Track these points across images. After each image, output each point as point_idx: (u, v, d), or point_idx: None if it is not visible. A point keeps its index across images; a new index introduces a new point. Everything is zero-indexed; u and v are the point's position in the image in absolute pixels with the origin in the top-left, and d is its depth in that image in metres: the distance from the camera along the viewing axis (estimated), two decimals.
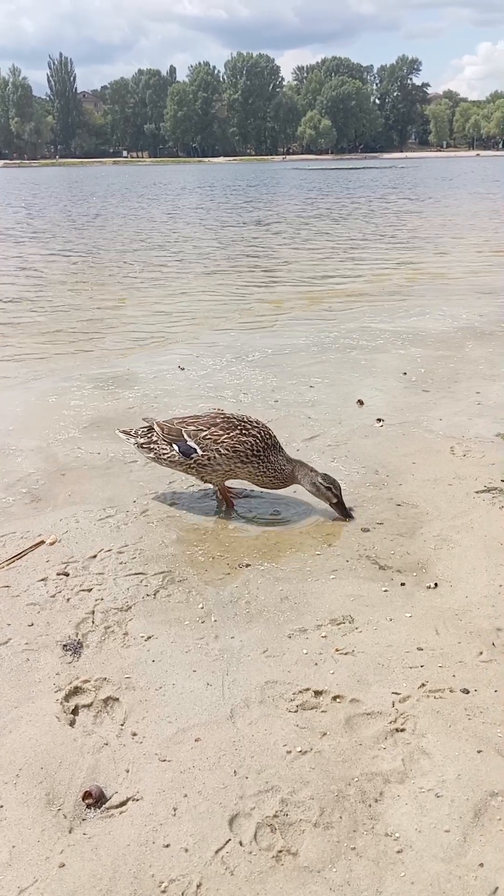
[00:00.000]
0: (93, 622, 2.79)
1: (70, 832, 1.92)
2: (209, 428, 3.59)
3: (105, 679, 2.47)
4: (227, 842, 1.87)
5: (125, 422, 4.94)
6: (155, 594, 2.97)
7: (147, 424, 3.84)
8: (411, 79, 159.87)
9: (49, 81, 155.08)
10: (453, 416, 4.99)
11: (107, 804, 2.00)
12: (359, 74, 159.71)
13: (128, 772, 2.10)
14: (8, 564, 3.21)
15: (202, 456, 3.55)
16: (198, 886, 1.76)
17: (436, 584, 3.00)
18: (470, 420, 4.90)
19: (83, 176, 71.85)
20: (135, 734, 2.23)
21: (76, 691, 2.43)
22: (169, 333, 7.78)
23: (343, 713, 2.28)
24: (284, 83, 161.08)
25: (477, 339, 7.09)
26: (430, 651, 2.57)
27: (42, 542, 3.38)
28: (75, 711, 2.35)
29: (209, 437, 3.56)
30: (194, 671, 2.50)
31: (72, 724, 2.29)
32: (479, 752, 2.11)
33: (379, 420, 4.92)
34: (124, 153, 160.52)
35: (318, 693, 2.37)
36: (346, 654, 2.56)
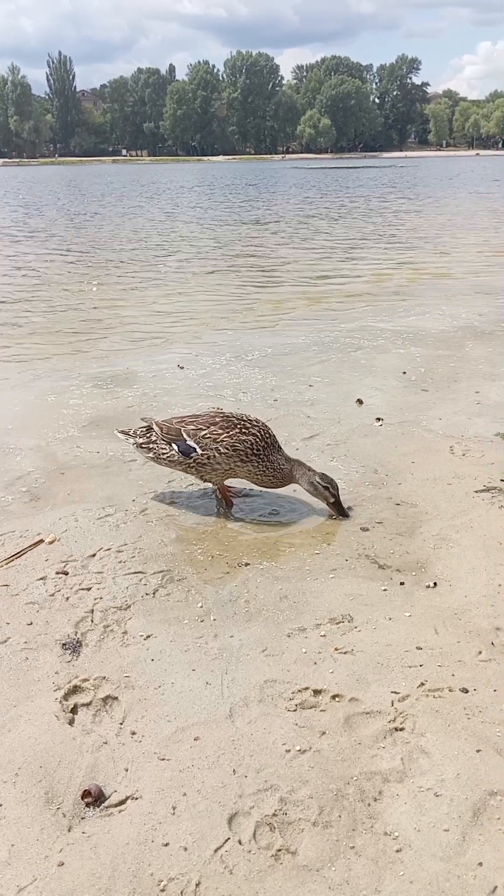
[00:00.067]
0: (92, 621, 2.79)
1: (69, 831, 1.92)
2: (208, 427, 3.59)
3: (104, 678, 2.47)
4: (227, 840, 1.87)
5: (124, 421, 4.94)
6: (154, 593, 2.97)
7: (146, 424, 3.84)
8: (411, 78, 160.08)
9: (48, 80, 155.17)
10: (453, 415, 4.99)
11: (106, 803, 2.00)
12: (358, 73, 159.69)
13: (127, 770, 2.10)
14: (7, 563, 3.21)
15: (201, 455, 3.55)
16: (197, 885, 1.76)
17: (435, 584, 3.00)
18: (469, 419, 4.90)
19: (82, 175, 71.80)
20: (134, 733, 2.23)
21: (75, 690, 2.43)
22: (168, 332, 7.78)
23: (342, 712, 2.28)
24: (284, 82, 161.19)
25: (476, 339, 7.09)
26: (429, 650, 2.57)
27: (41, 541, 3.38)
28: (74, 710, 2.35)
29: (208, 436, 3.56)
30: (193, 670, 2.50)
31: (71, 722, 2.29)
32: (478, 751, 2.11)
33: (378, 419, 4.92)
34: (123, 152, 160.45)
35: (317, 692, 2.37)
36: (345, 653, 2.56)
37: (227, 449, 3.52)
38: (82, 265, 12.63)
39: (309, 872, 1.79)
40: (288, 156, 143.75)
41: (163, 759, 2.12)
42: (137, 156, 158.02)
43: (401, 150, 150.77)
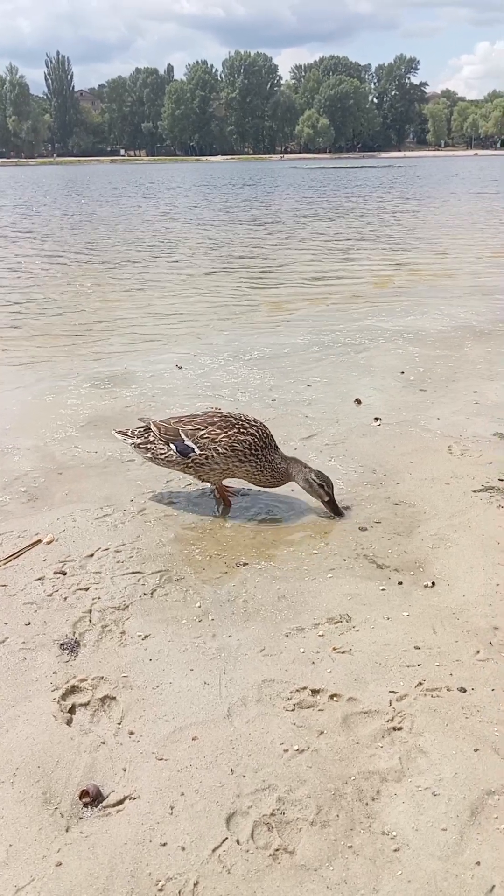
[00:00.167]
0: (90, 621, 2.79)
1: (67, 831, 1.92)
2: (206, 427, 3.59)
3: (102, 678, 2.47)
4: (224, 840, 1.87)
5: (122, 421, 4.94)
6: (152, 593, 2.97)
7: (143, 424, 3.84)
8: (409, 78, 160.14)
9: (46, 80, 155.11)
10: (451, 415, 5.00)
11: (104, 803, 2.00)
12: (356, 73, 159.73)
13: (125, 770, 2.10)
14: (5, 563, 3.21)
15: (200, 455, 3.55)
16: (195, 885, 1.76)
17: (433, 583, 3.00)
18: (467, 419, 4.91)
19: (80, 174, 71.78)
20: (132, 733, 2.23)
21: (73, 690, 2.43)
22: (166, 333, 7.78)
23: (340, 712, 2.28)
24: (282, 82, 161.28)
25: (475, 339, 7.10)
26: (427, 650, 2.57)
27: (39, 541, 3.38)
28: (72, 710, 2.35)
29: (207, 435, 3.55)
30: (191, 670, 2.50)
31: (69, 722, 2.29)
32: (476, 750, 2.12)
33: (377, 419, 4.92)
34: (122, 152, 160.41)
35: (315, 692, 2.37)
36: (343, 652, 2.56)
37: (225, 449, 3.52)
38: (80, 266, 12.62)
39: (307, 872, 1.79)
40: (286, 156, 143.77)
41: (161, 759, 2.12)
42: (136, 156, 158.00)
43: (399, 150, 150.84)
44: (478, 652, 2.56)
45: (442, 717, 2.25)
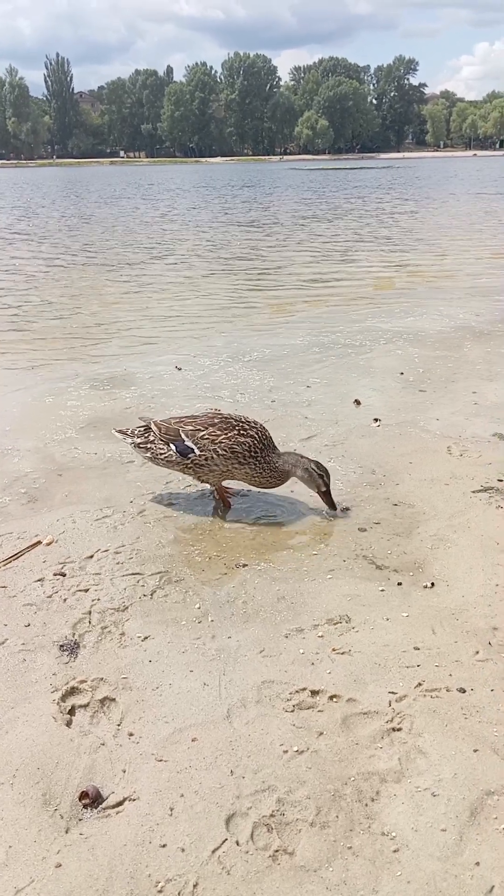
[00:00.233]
0: (89, 622, 2.79)
1: (67, 832, 1.92)
2: (207, 428, 3.59)
3: (102, 679, 2.47)
4: (224, 841, 1.87)
5: (122, 422, 4.94)
6: (152, 594, 2.97)
7: (144, 424, 3.84)
8: (408, 79, 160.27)
9: (46, 81, 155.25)
10: (450, 415, 5.00)
11: (103, 804, 2.00)
12: (356, 74, 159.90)
13: (124, 772, 2.10)
14: (4, 565, 3.21)
15: (199, 456, 3.55)
16: (194, 886, 1.76)
17: (432, 584, 3.00)
18: (467, 420, 4.91)
19: (79, 176, 71.81)
20: (131, 734, 2.23)
21: (73, 691, 2.43)
22: (165, 334, 7.78)
23: (339, 713, 2.29)
24: (281, 83, 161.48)
25: (474, 339, 7.10)
26: (426, 650, 2.57)
27: (39, 543, 3.38)
28: (72, 712, 2.35)
29: (207, 437, 3.56)
30: (191, 671, 2.50)
31: (68, 724, 2.29)
32: (475, 751, 2.12)
33: (376, 420, 4.92)
34: (121, 153, 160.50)
35: (314, 693, 2.37)
36: (342, 653, 2.56)
37: (224, 451, 3.52)
38: (78, 268, 12.63)
39: (306, 873, 1.79)
40: (286, 157, 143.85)
41: (160, 761, 2.12)
42: (135, 157, 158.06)
43: (398, 151, 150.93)
44: (477, 652, 2.56)
45: (441, 717, 2.25)
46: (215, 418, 3.64)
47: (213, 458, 3.54)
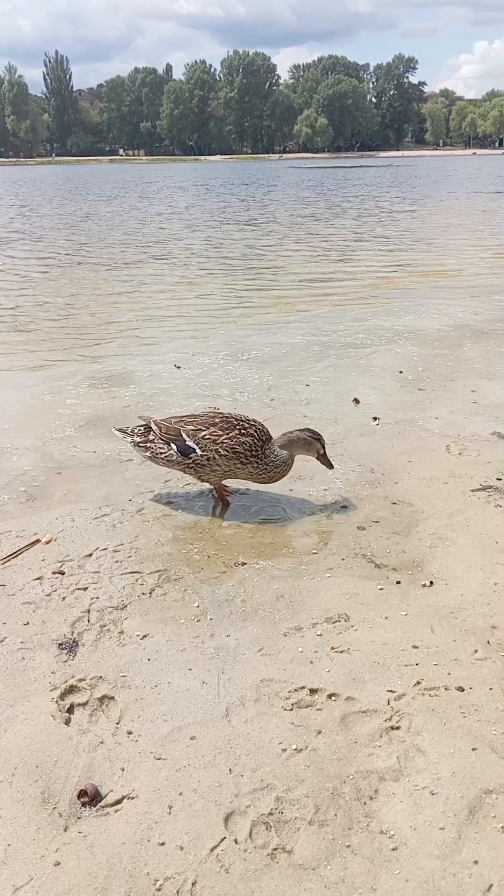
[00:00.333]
0: (88, 621, 2.79)
1: (65, 830, 1.93)
2: (208, 427, 3.59)
3: (101, 677, 2.47)
4: (223, 840, 1.87)
5: (121, 421, 4.94)
6: (151, 593, 2.97)
7: (144, 423, 3.83)
8: (408, 77, 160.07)
9: (45, 79, 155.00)
10: (449, 414, 5.00)
11: (102, 802, 2.00)
12: (355, 73, 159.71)
13: (123, 770, 2.10)
14: (3, 563, 3.21)
15: (201, 456, 3.55)
16: (193, 884, 1.76)
17: (431, 583, 3.00)
18: (466, 418, 4.91)
19: (78, 174, 71.74)
20: (130, 732, 2.23)
21: (72, 690, 2.43)
22: (165, 332, 7.78)
23: (338, 711, 2.29)
24: (281, 81, 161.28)
25: (473, 338, 7.10)
26: (425, 649, 2.57)
27: (38, 541, 3.38)
28: (71, 710, 2.35)
29: (208, 437, 3.56)
30: (190, 669, 2.50)
31: (67, 722, 2.29)
32: (473, 749, 2.12)
33: (375, 419, 4.92)
34: (120, 151, 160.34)
35: (313, 691, 2.37)
36: (341, 652, 2.56)
37: (226, 451, 3.53)
38: (77, 266, 12.62)
39: (305, 871, 1.80)
40: (285, 155, 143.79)
41: (159, 759, 2.12)
42: (134, 155, 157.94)
43: (398, 150, 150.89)
44: (476, 651, 2.56)
45: (440, 716, 2.25)
46: (216, 418, 3.64)
47: (214, 458, 3.54)
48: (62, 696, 2.40)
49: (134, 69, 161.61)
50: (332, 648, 2.58)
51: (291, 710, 2.30)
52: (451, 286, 9.93)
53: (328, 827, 1.91)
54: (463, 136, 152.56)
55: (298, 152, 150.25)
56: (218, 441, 3.54)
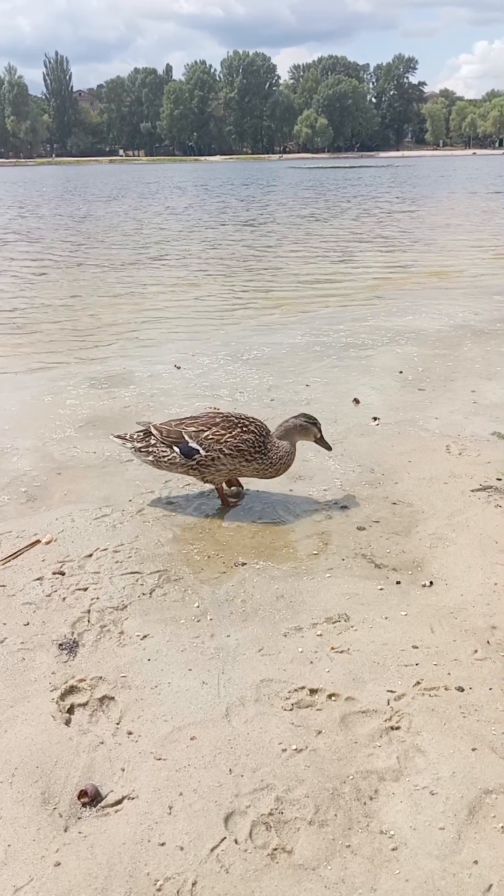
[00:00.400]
0: (88, 621, 2.79)
1: (66, 831, 1.93)
2: (210, 428, 3.59)
3: (101, 678, 2.48)
4: (223, 840, 1.87)
5: (121, 421, 4.95)
6: (151, 593, 2.97)
7: (143, 428, 3.82)
8: (408, 78, 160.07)
9: (45, 80, 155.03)
10: (449, 414, 5.00)
11: (102, 803, 2.00)
12: (355, 73, 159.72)
13: (123, 770, 2.10)
14: (3, 564, 3.21)
15: (206, 456, 3.56)
16: (193, 884, 1.76)
17: (431, 583, 3.00)
18: (466, 419, 4.91)
19: (78, 175, 71.76)
20: (130, 733, 2.24)
21: (72, 690, 2.43)
22: (164, 333, 7.78)
23: (338, 711, 2.29)
24: (281, 82, 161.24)
25: (473, 338, 7.10)
26: (425, 649, 2.58)
27: (38, 542, 3.38)
28: (71, 710, 2.35)
29: (211, 437, 3.56)
30: (190, 670, 2.50)
31: (67, 723, 2.29)
32: (473, 749, 2.12)
33: (375, 419, 4.93)
34: (120, 152, 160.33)
35: (313, 691, 2.37)
36: (341, 652, 2.57)
37: (230, 450, 3.53)
38: (77, 267, 12.63)
39: (305, 871, 1.80)
40: (285, 155, 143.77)
41: (159, 759, 2.12)
42: (134, 156, 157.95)
43: (398, 150, 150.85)
44: (476, 651, 2.56)
45: (440, 716, 2.25)
46: (216, 417, 3.65)
47: (219, 457, 3.55)
48: (62, 697, 2.40)
49: (134, 69, 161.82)
50: (332, 648, 2.58)
51: (291, 710, 2.30)
52: (451, 286, 9.93)
53: (328, 827, 1.91)
54: (463, 137, 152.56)
55: (298, 152, 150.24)
56: (221, 440, 3.54)
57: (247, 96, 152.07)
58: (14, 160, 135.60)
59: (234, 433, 3.55)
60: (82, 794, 2.01)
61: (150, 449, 3.70)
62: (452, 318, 8.00)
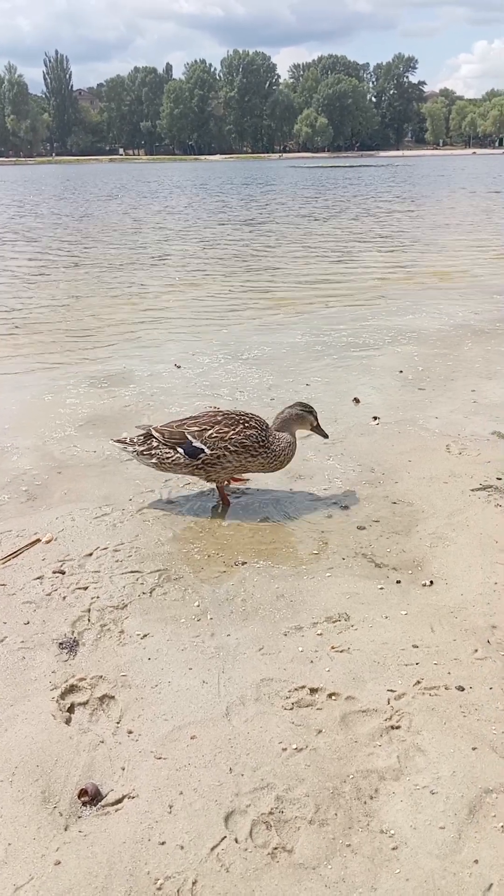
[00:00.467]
0: (89, 620, 2.79)
1: (66, 830, 1.93)
2: (213, 426, 3.60)
3: (101, 677, 2.47)
4: (223, 839, 1.87)
5: (121, 420, 4.95)
6: (151, 592, 2.97)
7: (143, 431, 3.81)
8: (407, 77, 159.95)
9: (45, 79, 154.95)
10: (449, 414, 5.00)
11: (102, 802, 2.00)
12: (355, 72, 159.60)
13: (123, 769, 2.10)
14: (4, 563, 3.21)
15: (211, 455, 3.56)
16: (193, 884, 1.76)
17: (431, 582, 3.00)
18: (466, 418, 4.91)
19: (78, 174, 71.73)
20: (130, 732, 2.23)
21: (72, 689, 2.43)
22: (164, 332, 7.78)
23: (338, 710, 2.29)
24: (281, 81, 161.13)
25: (473, 338, 7.10)
26: (425, 648, 2.58)
27: (38, 541, 3.38)
28: (71, 709, 2.35)
29: (215, 435, 3.56)
30: (190, 669, 2.50)
31: (68, 721, 2.29)
32: (473, 749, 2.12)
33: (375, 418, 4.93)
34: (120, 151, 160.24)
35: (313, 690, 2.37)
36: (341, 651, 2.57)
37: (236, 446, 3.55)
38: (76, 266, 12.62)
39: (305, 870, 1.80)
40: (285, 155, 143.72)
41: (159, 758, 2.12)
42: (134, 155, 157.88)
43: (397, 149, 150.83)
44: (476, 650, 2.56)
45: (440, 715, 2.25)
46: (217, 416, 3.66)
47: (225, 455, 3.55)
48: (63, 696, 2.40)
49: (134, 69, 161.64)
50: (333, 648, 2.58)
51: (292, 709, 2.30)
52: (451, 286, 9.93)
53: (328, 826, 1.91)
54: (463, 136, 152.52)
55: (298, 152, 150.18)
56: (226, 438, 3.55)
57: (247, 95, 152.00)
58: (14, 159, 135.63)
59: (237, 430, 3.57)
60: (82, 792, 2.01)
61: (153, 451, 3.69)
62: (453, 317, 8.00)
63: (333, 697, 2.35)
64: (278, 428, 3.69)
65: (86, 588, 3.00)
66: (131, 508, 3.69)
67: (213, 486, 3.83)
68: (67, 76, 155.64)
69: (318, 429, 3.80)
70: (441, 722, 2.23)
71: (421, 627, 2.70)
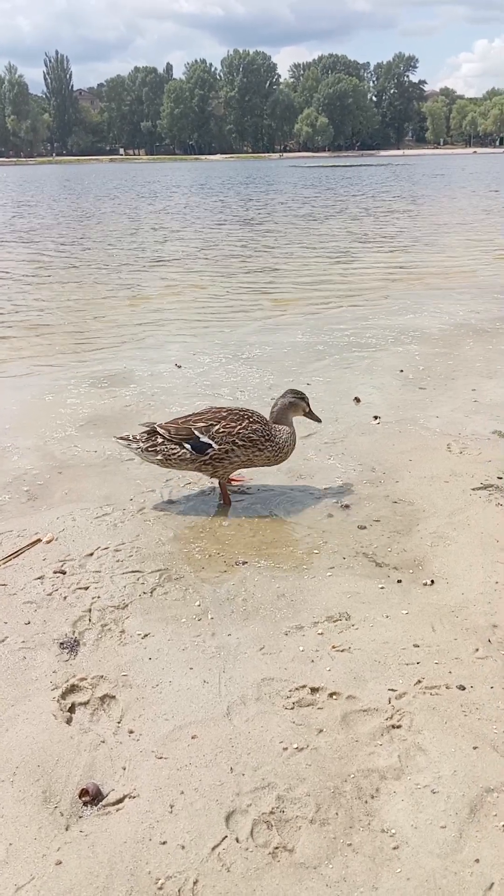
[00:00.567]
0: (89, 620, 2.79)
1: (67, 830, 1.93)
2: (219, 422, 3.62)
3: (102, 677, 2.47)
4: (224, 839, 1.87)
5: (122, 420, 4.95)
6: (152, 592, 2.97)
7: (147, 429, 3.81)
8: (408, 76, 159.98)
9: (45, 79, 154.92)
10: (450, 413, 5.00)
11: (103, 801, 2.00)
12: (355, 72, 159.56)
13: (124, 769, 2.10)
14: (4, 563, 3.21)
15: (219, 450, 3.57)
16: (194, 883, 1.76)
17: (432, 581, 3.00)
18: (466, 417, 4.91)
19: (79, 174, 71.74)
20: (131, 732, 2.23)
21: (73, 689, 2.43)
22: (165, 332, 7.78)
23: (339, 710, 2.29)
24: (281, 80, 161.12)
25: (473, 337, 7.10)
26: (426, 648, 2.57)
27: (39, 541, 3.38)
28: (72, 709, 2.35)
29: (222, 430, 3.58)
30: (191, 669, 2.50)
31: (69, 721, 2.29)
32: (474, 748, 2.12)
33: (376, 417, 4.92)
34: (121, 151, 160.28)
35: (314, 690, 2.37)
36: (342, 651, 2.56)
37: (243, 441, 3.57)
38: (77, 266, 12.62)
39: (306, 870, 1.80)
40: (285, 154, 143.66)
41: (160, 758, 2.12)
42: (135, 155, 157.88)
43: (398, 149, 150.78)
44: (477, 650, 2.56)
45: (441, 714, 2.25)
46: (221, 412, 3.68)
47: (233, 450, 3.57)
48: (63, 696, 2.40)
49: (134, 68, 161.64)
50: (334, 647, 2.58)
51: (293, 708, 2.30)
52: (451, 285, 9.92)
53: (329, 826, 1.91)
54: (463, 135, 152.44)
55: (299, 151, 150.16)
56: (233, 433, 3.57)
57: (247, 95, 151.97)
58: (14, 159, 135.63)
59: (243, 425, 3.60)
60: (83, 792, 2.01)
61: (158, 448, 3.68)
62: (453, 316, 8.00)
63: (334, 697, 2.34)
64: (276, 420, 3.74)
65: (87, 588, 3.00)
66: (132, 508, 3.69)
67: (215, 485, 3.83)
68: (68, 76, 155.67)
69: (310, 414, 3.85)
70: (442, 721, 2.23)
71: (422, 627, 2.70)
